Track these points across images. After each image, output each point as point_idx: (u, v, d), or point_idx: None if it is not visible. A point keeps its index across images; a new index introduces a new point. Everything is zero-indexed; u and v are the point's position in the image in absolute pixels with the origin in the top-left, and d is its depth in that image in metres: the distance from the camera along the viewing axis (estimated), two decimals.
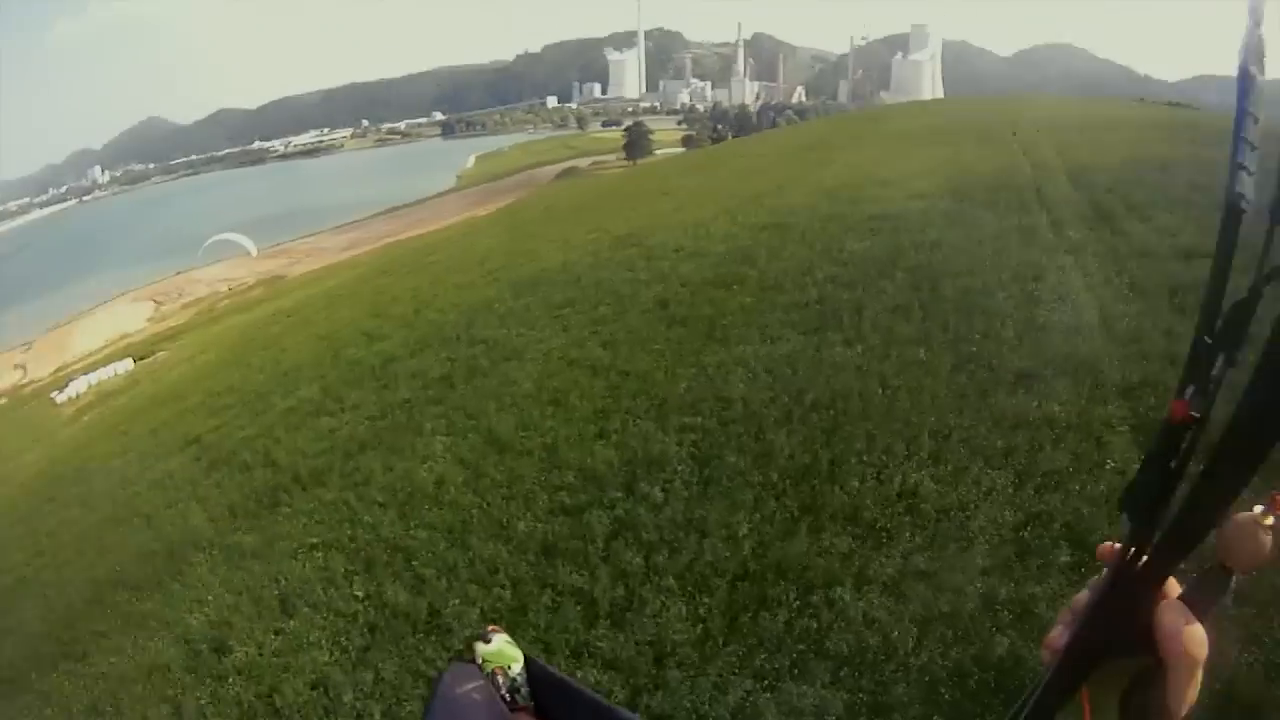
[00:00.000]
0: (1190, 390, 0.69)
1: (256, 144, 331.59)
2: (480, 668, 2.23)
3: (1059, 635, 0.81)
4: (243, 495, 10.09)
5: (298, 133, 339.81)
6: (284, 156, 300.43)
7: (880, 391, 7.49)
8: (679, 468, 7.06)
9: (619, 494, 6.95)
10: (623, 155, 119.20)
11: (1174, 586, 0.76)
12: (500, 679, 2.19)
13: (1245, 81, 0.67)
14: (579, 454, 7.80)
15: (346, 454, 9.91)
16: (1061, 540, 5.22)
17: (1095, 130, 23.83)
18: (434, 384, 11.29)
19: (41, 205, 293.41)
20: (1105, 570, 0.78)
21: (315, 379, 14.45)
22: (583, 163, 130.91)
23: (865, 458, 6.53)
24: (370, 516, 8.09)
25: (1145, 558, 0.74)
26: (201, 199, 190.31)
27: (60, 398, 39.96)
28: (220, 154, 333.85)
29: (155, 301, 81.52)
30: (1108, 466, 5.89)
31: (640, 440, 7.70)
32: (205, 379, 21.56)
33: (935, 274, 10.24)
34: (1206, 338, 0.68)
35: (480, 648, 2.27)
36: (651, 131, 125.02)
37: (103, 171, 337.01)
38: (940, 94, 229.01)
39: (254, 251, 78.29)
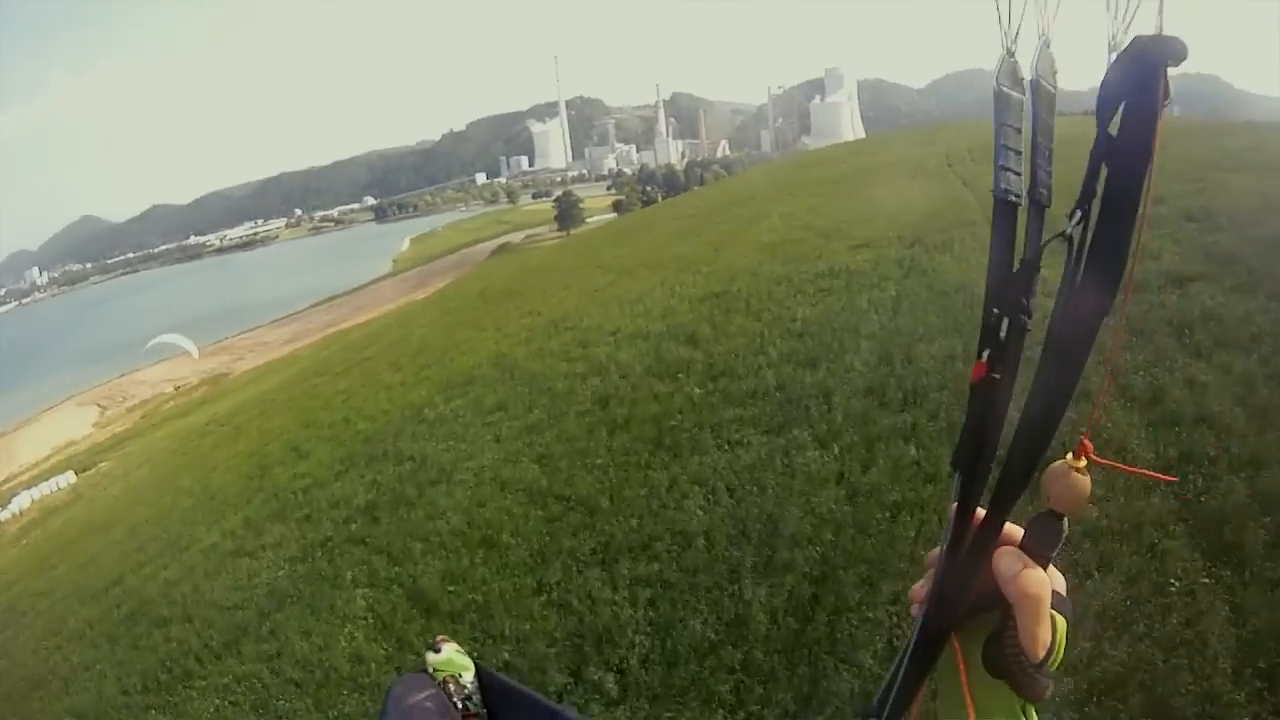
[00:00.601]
0: (987, 353, 0.79)
1: (192, 238, 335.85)
2: (431, 677, 2.41)
3: (922, 586, 0.89)
4: (157, 659, 8.95)
5: (232, 225, 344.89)
6: (220, 250, 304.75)
7: (874, 513, 6.09)
8: (636, 639, 5.68)
9: (565, 678, 5.59)
10: (555, 227, 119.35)
11: (1015, 535, 0.83)
12: (452, 687, 2.38)
13: (1000, 100, 0.80)
14: (515, 619, 6.45)
15: (262, 612, 8.67)
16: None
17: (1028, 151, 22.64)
18: (358, 515, 9.92)
19: None
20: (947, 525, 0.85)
21: (241, 506, 13.28)
22: (516, 237, 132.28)
23: (869, 614, 5.14)
24: (285, 700, 7.01)
25: (979, 510, 0.83)
26: (141, 298, 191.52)
27: (3, 515, 38.73)
28: (156, 250, 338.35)
29: (100, 406, 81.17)
30: (1172, 589, 4.81)
31: (586, 599, 6.33)
32: (136, 504, 20.47)
33: (906, 338, 8.98)
34: (994, 309, 0.79)
35: (430, 657, 2.45)
36: (581, 200, 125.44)
37: (40, 273, 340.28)
38: (861, 133, 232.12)
39: (195, 353, 77.36)
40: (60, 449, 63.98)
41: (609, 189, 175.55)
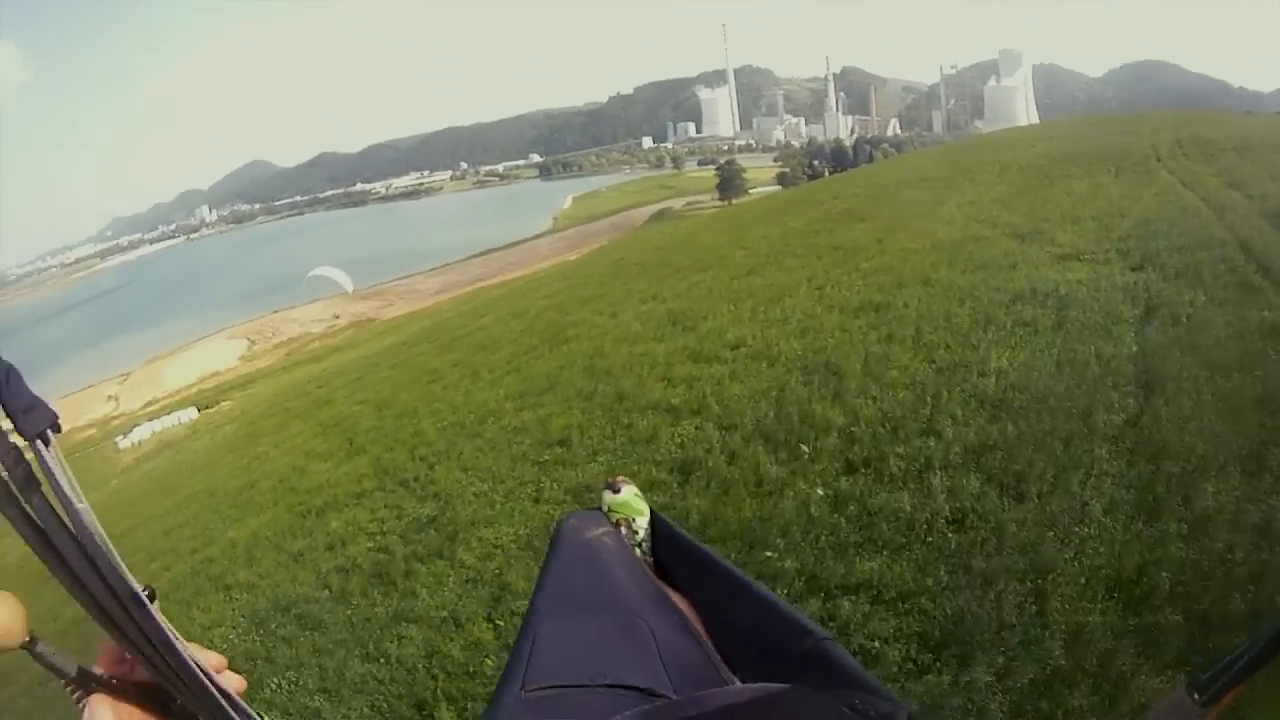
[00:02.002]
0: None
1: (358, 186, 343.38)
2: (606, 516, 2.32)
3: None
4: None
5: (397, 175, 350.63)
6: (384, 198, 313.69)
7: None
8: None
9: None
10: (716, 195, 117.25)
11: None
12: (624, 531, 2.28)
13: None
14: None
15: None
16: None
17: (1258, 149, 18.66)
18: (355, 574, 7.46)
19: (151, 242, 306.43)
20: None
21: (266, 509, 11.60)
22: (677, 203, 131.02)
23: None
24: None
25: None
26: (304, 239, 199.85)
27: (124, 443, 39.91)
28: (323, 195, 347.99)
29: (249, 340, 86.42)
30: None
31: None
32: (210, 464, 20.48)
33: (1172, 438, 5.49)
34: None
35: (609, 497, 2.36)
36: (744, 170, 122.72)
37: (210, 211, 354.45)
38: (1035, 119, 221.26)
39: (350, 288, 79.77)
40: (205, 378, 67.17)
41: (775, 160, 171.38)
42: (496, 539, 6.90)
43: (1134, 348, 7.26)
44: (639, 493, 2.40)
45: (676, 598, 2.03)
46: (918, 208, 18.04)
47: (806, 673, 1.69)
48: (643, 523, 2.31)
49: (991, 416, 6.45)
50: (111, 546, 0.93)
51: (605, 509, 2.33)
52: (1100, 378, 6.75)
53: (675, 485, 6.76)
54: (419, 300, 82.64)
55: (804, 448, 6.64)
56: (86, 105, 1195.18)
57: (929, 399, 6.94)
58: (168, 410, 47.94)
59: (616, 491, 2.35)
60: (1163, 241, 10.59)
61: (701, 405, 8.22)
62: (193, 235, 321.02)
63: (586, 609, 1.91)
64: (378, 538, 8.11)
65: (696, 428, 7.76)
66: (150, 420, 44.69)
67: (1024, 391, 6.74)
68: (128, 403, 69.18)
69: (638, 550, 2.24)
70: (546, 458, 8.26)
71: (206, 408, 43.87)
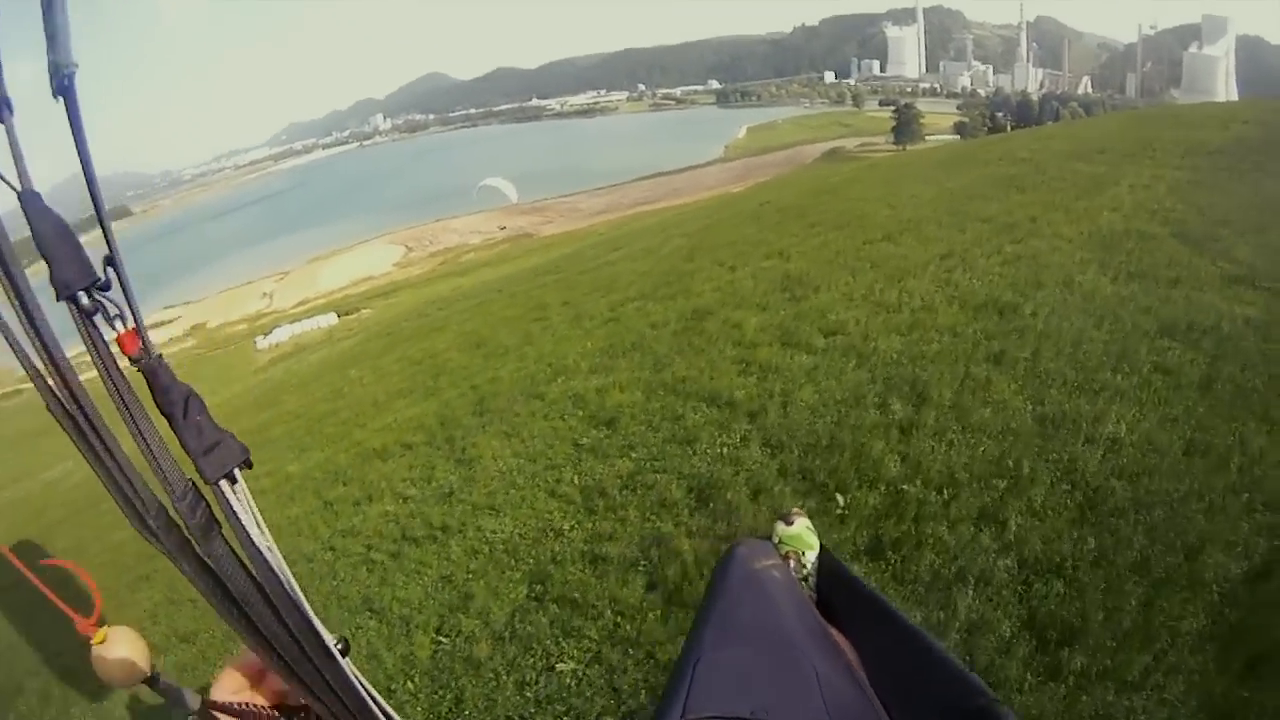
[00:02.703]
0: None
1: (534, 101, 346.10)
2: (776, 547, 2.29)
3: None
4: None
5: (575, 93, 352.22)
6: (559, 115, 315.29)
7: None
8: None
9: None
10: (891, 139, 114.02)
11: None
12: (793, 564, 2.24)
13: None
14: None
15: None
16: None
17: None
18: (354, 541, 7.58)
19: (325, 147, 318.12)
20: None
21: (331, 444, 11.79)
22: (851, 143, 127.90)
23: None
24: None
25: None
26: (474, 150, 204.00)
27: (263, 344, 41.39)
28: (498, 109, 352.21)
29: (406, 247, 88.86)
30: None
31: None
32: (317, 378, 20.80)
33: None
34: None
35: (780, 528, 2.36)
36: (922, 115, 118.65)
37: (384, 119, 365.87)
38: (1234, 95, 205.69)
39: (515, 199, 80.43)
40: (357, 281, 68.78)
41: (959, 108, 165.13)
42: (493, 532, 6.66)
43: None
44: (810, 526, 2.37)
45: (839, 638, 1.96)
46: (1086, 184, 16.01)
47: None
48: (811, 556, 2.27)
49: (1076, 516, 5.03)
50: (301, 594, 0.86)
51: (776, 540, 2.31)
52: (1235, 487, 5.09)
53: (686, 511, 5.98)
54: (579, 219, 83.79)
55: (839, 500, 5.57)
56: (264, 7, 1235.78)
57: (1012, 463, 5.58)
58: (310, 314, 49.06)
59: (790, 523, 2.34)
60: None
61: (762, 407, 7.24)
62: (366, 142, 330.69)
63: (751, 641, 1.82)
64: (399, 503, 8.04)
65: (742, 439, 6.84)
66: (291, 323, 45.92)
67: (1131, 483, 5.26)
68: (280, 300, 71.92)
69: (804, 584, 2.21)
70: (585, 441, 7.85)
71: (347, 314, 45.02)
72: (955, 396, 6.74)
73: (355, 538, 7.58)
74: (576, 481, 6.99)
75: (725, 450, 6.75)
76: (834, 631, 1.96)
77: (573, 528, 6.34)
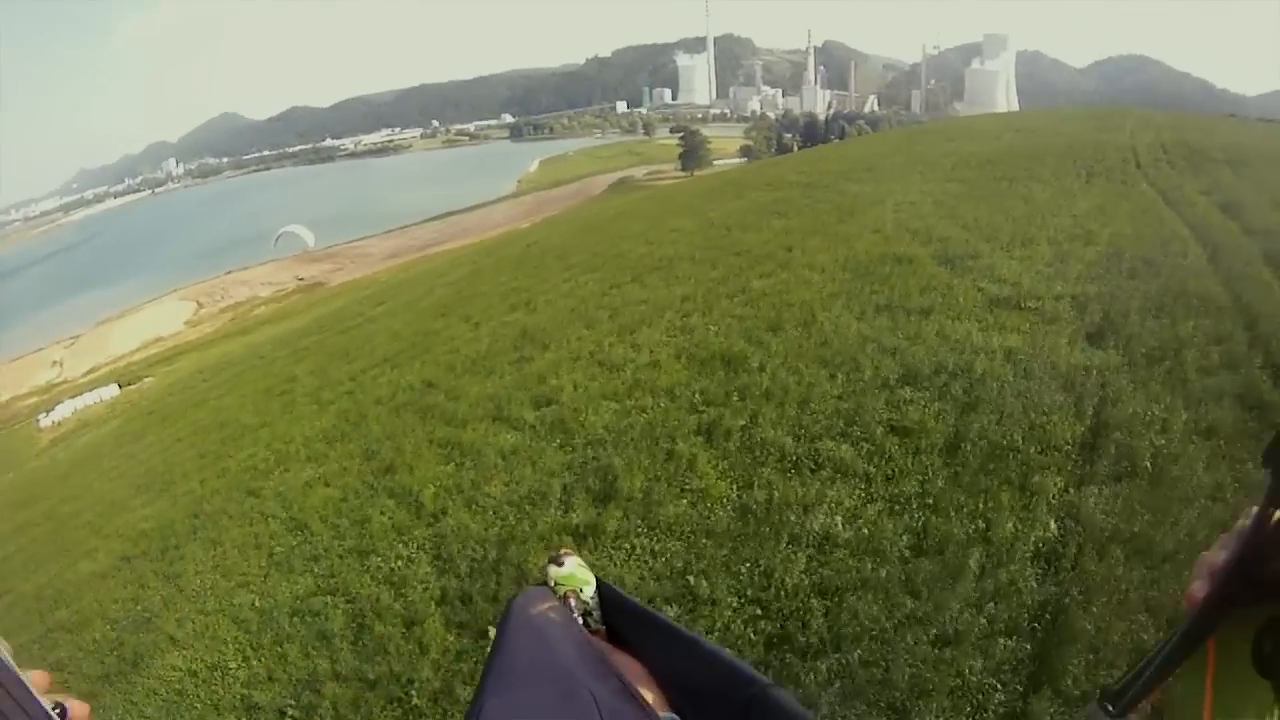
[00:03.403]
0: None
1: (328, 141, 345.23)
2: (553, 590, 2.24)
3: (1199, 589, 0.83)
4: None
5: (369, 131, 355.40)
6: (354, 155, 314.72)
7: None
8: None
9: None
10: (679, 166, 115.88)
11: None
12: (573, 602, 2.19)
13: None
14: None
15: None
16: None
17: (1254, 164, 15.59)
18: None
19: (116, 195, 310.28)
20: (1245, 524, 0.77)
21: (85, 549, 10.24)
22: (640, 171, 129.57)
23: None
24: None
25: None
26: (268, 195, 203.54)
27: (45, 421, 40.86)
28: (292, 150, 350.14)
29: (198, 303, 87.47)
30: None
31: None
32: (97, 460, 18.52)
33: None
34: None
35: (553, 570, 2.31)
36: (708, 140, 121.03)
37: (177, 164, 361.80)
38: (1015, 106, 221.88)
39: (311, 244, 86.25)
40: (148, 343, 68.37)
41: (746, 131, 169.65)
42: (172, 669, 5.82)
43: (1050, 527, 4.49)
44: (582, 563, 2.34)
45: (630, 660, 1.96)
46: (850, 205, 15.29)
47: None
48: (590, 591, 2.24)
49: (761, 658, 3.92)
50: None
51: (551, 583, 2.28)
52: (974, 599, 4.04)
53: (345, 645, 5.28)
54: (369, 265, 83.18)
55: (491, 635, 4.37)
56: (54, 53, 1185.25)
57: (692, 580, 4.47)
58: (95, 385, 46.69)
59: (561, 564, 2.32)
60: (1136, 295, 7.77)
61: (443, 508, 6.28)
62: (159, 189, 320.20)
63: (529, 683, 1.78)
64: (106, 629, 7.18)
65: (417, 548, 5.97)
66: (73, 396, 43.90)
67: (835, 605, 4.15)
68: (71, 368, 68.65)
69: (590, 618, 2.18)
70: (279, 550, 6.97)
71: (129, 384, 43.20)
72: (649, 485, 5.58)
73: (60, 673, 6.50)
74: (257, 604, 6.14)
75: (396, 566, 5.75)
76: (623, 654, 1.96)
77: (239, 665, 5.47)
